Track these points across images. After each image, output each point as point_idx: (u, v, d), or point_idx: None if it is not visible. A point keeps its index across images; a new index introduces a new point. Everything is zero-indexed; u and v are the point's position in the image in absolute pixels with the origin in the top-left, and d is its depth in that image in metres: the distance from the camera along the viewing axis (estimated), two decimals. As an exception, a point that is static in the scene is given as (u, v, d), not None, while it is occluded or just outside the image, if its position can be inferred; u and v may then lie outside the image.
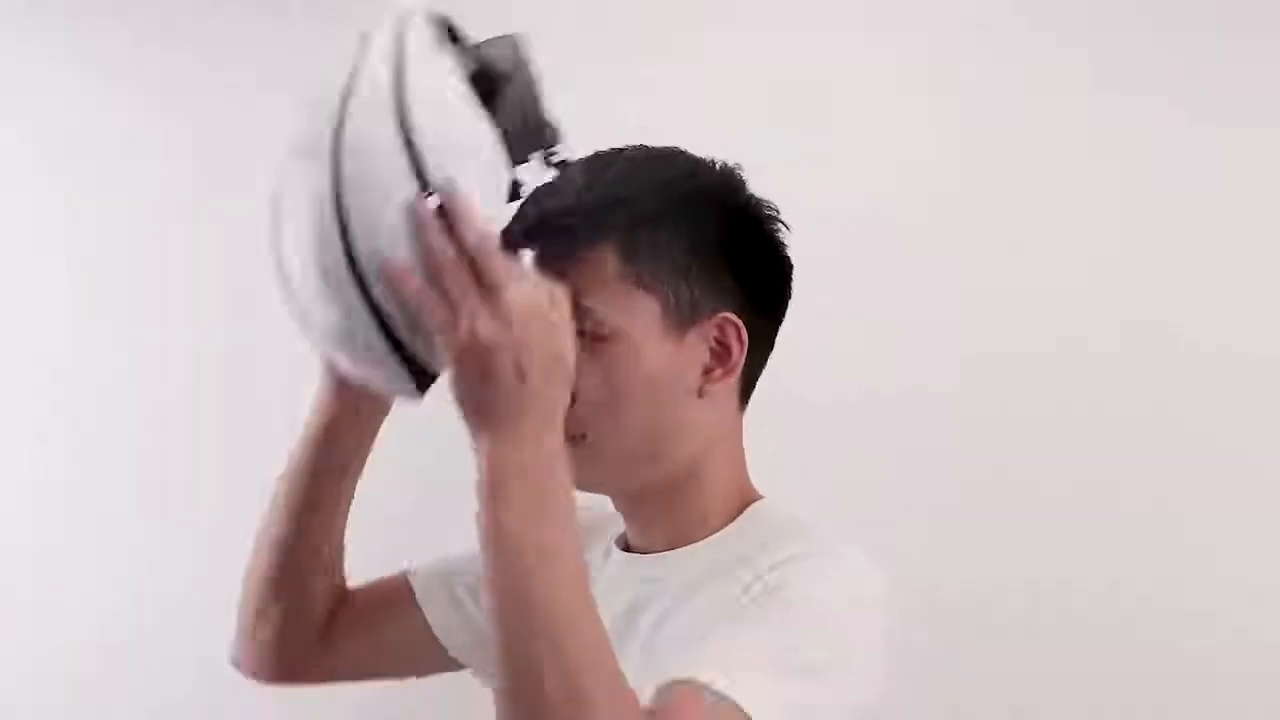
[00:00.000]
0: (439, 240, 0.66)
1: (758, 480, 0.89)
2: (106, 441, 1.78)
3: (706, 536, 0.83)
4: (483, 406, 0.67)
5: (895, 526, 1.51)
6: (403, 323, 0.69)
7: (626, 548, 0.89)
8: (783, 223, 0.86)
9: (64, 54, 1.81)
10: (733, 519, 0.84)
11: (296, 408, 1.72)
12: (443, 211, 0.66)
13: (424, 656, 0.97)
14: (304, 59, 1.76)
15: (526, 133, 0.75)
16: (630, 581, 0.85)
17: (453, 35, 0.75)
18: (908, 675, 0.89)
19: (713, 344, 0.82)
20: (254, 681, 0.99)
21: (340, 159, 0.67)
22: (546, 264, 0.79)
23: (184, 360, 1.77)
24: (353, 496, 0.92)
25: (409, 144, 0.67)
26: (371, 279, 0.67)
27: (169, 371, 1.77)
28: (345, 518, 0.92)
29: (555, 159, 0.78)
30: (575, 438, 0.77)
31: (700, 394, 0.81)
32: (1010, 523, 1.55)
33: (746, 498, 0.86)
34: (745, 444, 0.88)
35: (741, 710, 0.66)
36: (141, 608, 1.75)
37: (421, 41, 0.71)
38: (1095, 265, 1.57)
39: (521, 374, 0.66)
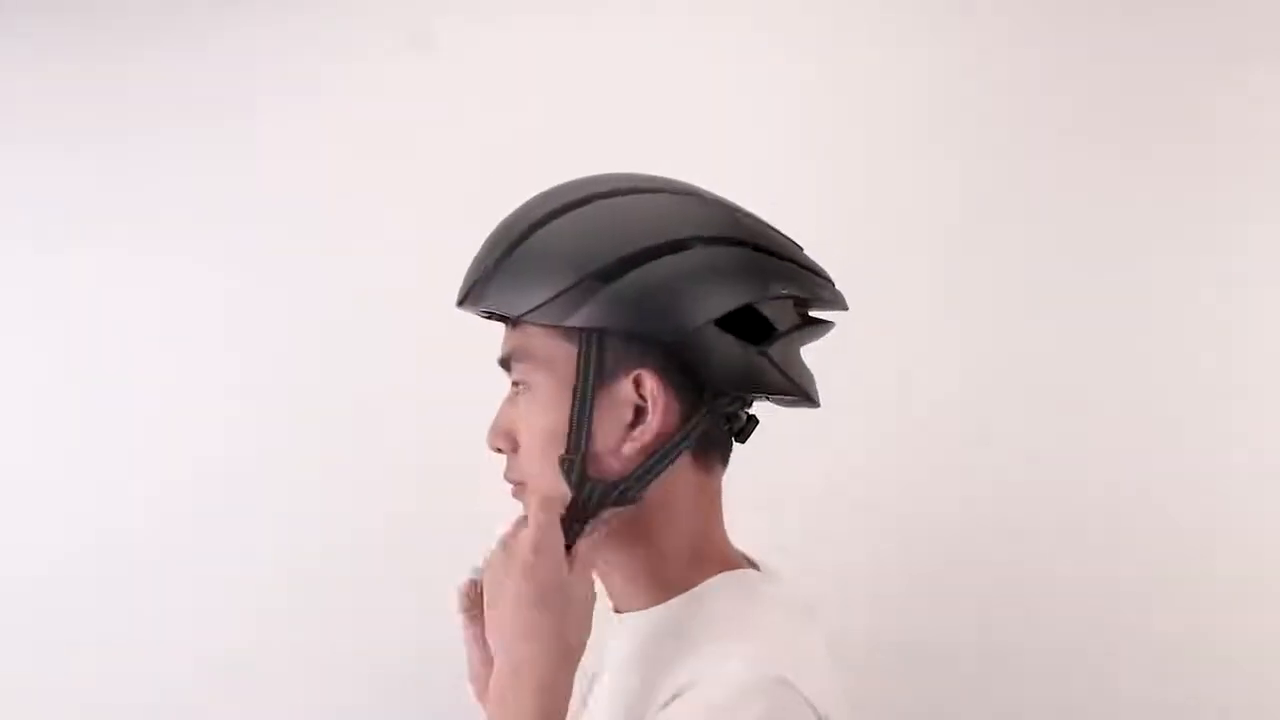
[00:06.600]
0: None
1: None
2: (106, 441, 1.78)
3: (665, 600, 0.81)
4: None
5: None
6: None
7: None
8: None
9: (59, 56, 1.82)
10: (690, 589, 0.81)
11: (295, 401, 1.72)
12: None
13: None
14: (305, 60, 1.77)
15: None
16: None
17: None
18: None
19: (637, 400, 0.77)
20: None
21: None
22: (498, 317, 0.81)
23: (182, 359, 1.77)
24: None
25: None
26: None
27: (167, 372, 1.78)
28: None
29: None
30: (518, 484, 0.82)
31: (618, 453, 0.77)
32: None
33: (720, 563, 0.83)
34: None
35: None
36: (140, 608, 1.76)
37: None
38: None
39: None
